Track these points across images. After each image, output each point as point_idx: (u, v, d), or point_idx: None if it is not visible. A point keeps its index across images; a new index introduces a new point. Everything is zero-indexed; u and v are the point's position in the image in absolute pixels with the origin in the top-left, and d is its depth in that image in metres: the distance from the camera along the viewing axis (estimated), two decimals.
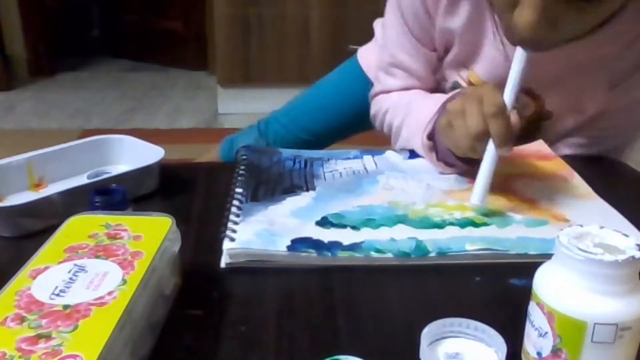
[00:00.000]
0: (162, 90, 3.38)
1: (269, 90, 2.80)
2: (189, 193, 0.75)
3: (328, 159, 0.83)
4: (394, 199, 0.71)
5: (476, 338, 0.46)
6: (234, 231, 0.63)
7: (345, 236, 0.63)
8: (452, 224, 0.66)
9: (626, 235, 0.42)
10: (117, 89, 3.39)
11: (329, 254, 0.60)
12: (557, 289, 0.41)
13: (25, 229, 0.64)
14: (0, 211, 0.63)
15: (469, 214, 0.68)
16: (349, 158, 0.83)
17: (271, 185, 0.74)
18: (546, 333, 0.41)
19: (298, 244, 0.61)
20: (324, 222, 0.66)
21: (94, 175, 0.76)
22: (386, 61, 0.93)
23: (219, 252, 0.61)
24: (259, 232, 0.63)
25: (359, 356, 0.44)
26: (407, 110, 0.87)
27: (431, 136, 0.78)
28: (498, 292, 0.56)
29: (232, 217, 0.66)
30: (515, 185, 0.76)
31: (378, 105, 0.95)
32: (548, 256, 0.51)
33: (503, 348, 0.43)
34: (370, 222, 0.66)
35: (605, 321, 0.39)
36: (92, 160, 0.78)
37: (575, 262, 0.40)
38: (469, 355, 0.45)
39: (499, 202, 0.71)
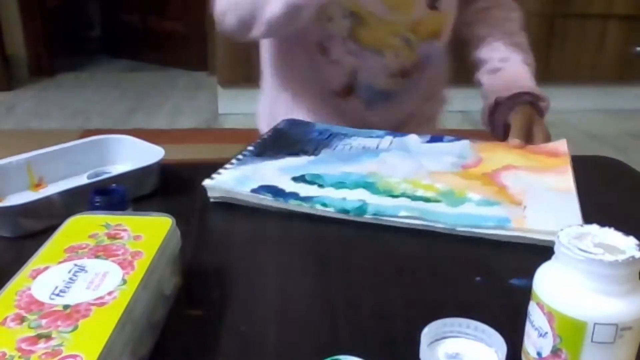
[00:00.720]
0: (162, 90, 3.38)
1: None
2: (189, 193, 0.75)
3: (352, 135, 0.86)
4: (377, 170, 0.74)
5: (476, 338, 0.46)
6: (219, 173, 0.72)
7: (307, 191, 0.69)
8: (406, 196, 0.69)
9: (626, 235, 0.42)
10: (117, 89, 3.39)
11: (282, 200, 0.68)
12: (557, 289, 0.41)
13: (25, 229, 0.64)
14: (0, 211, 0.63)
15: (430, 194, 0.70)
16: (370, 136, 0.86)
17: (282, 147, 0.79)
18: (546, 333, 0.41)
19: (262, 188, 0.69)
20: (299, 179, 0.72)
21: (94, 175, 0.76)
22: None
23: (218, 251, 0.61)
24: (238, 176, 0.72)
25: (359, 356, 0.44)
26: None
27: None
28: (498, 292, 0.56)
29: (227, 164, 0.74)
30: (503, 173, 0.76)
31: None
32: (475, 229, 0.63)
33: (503, 348, 0.43)
34: (337, 185, 0.71)
35: (605, 321, 0.39)
36: (92, 160, 0.78)
37: (575, 262, 0.40)
38: (469, 355, 0.45)
39: (470, 183, 0.73)
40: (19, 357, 0.37)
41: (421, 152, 0.82)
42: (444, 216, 0.65)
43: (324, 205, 0.67)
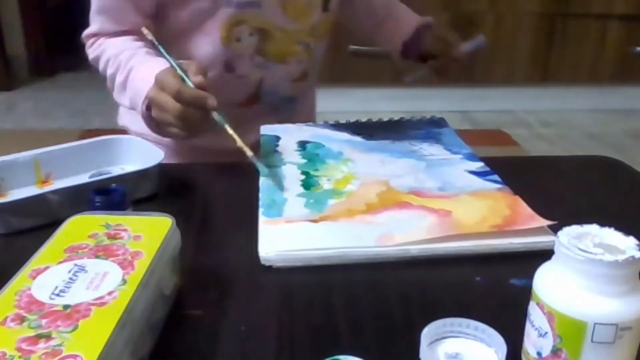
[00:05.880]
0: None
1: None
2: (189, 193, 0.75)
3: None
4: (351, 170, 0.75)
5: (476, 338, 0.46)
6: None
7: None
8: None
9: (626, 235, 0.42)
10: None
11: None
12: (557, 289, 0.41)
13: (15, 226, 0.64)
14: None
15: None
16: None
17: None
18: (546, 333, 0.41)
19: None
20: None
21: (96, 175, 0.76)
22: (98, 4, 0.93)
23: (218, 251, 0.61)
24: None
25: (359, 356, 0.44)
26: (129, 70, 0.84)
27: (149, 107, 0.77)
28: (498, 292, 0.56)
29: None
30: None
31: (98, 51, 0.95)
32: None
33: (503, 348, 0.43)
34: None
35: (605, 321, 0.39)
36: (100, 160, 0.78)
37: (575, 262, 0.40)
38: (469, 355, 0.45)
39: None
40: (19, 357, 0.37)
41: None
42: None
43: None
